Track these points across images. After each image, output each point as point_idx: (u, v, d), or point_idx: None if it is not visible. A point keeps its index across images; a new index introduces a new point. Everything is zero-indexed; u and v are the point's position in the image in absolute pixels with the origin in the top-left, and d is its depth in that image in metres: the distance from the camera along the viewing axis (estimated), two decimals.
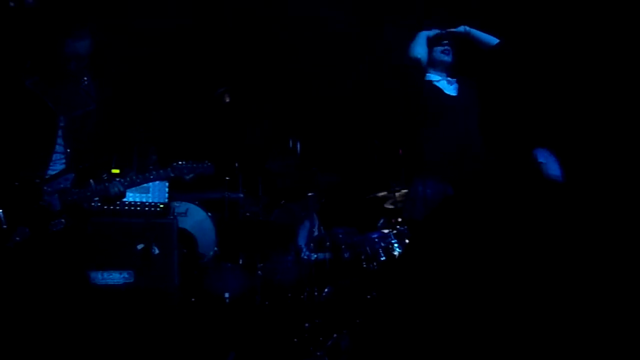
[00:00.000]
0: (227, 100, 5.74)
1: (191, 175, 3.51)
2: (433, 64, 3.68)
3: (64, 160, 3.30)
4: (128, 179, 3.37)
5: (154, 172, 3.42)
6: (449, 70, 3.70)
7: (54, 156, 3.29)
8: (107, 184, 3.30)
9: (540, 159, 4.93)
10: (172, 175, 3.46)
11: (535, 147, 4.77)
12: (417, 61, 3.58)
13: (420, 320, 3.37)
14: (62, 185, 3.22)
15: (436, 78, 3.68)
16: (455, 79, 3.71)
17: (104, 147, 3.49)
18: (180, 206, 5.36)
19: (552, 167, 4.75)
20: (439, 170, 3.43)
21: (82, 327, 3.33)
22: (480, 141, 3.57)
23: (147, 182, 3.46)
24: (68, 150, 3.30)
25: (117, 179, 3.37)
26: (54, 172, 3.26)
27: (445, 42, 3.68)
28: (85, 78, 3.41)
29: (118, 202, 4.41)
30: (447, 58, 3.67)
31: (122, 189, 3.34)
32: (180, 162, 3.47)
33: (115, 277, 4.27)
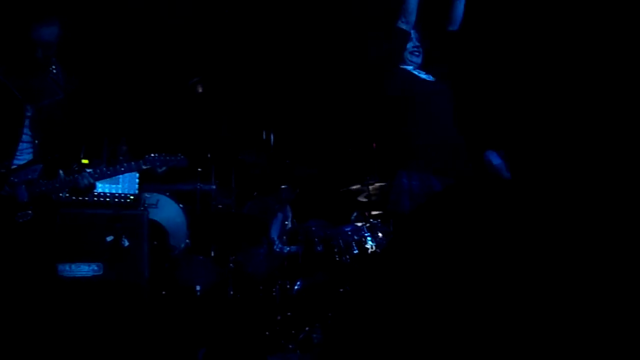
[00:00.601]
0: (200, 90, 5.68)
1: (164, 168, 3.47)
2: (403, 61, 3.68)
3: (31, 151, 3.23)
4: (98, 170, 3.31)
5: (125, 164, 3.36)
6: (419, 69, 3.70)
7: (21, 146, 3.22)
8: (76, 176, 3.24)
9: (495, 162, 5.00)
10: (144, 167, 3.40)
11: (487, 149, 4.83)
12: (404, 33, 3.56)
13: (400, 316, 3.37)
14: (29, 176, 3.16)
15: (410, 68, 3.67)
16: (426, 72, 3.70)
17: (73, 137, 3.43)
18: (151, 197, 5.29)
19: (503, 168, 4.82)
20: (423, 159, 3.42)
21: (49, 320, 3.28)
22: (457, 129, 3.58)
23: (118, 174, 3.40)
24: (36, 141, 3.23)
25: (87, 171, 3.31)
26: (21, 163, 3.19)
27: (417, 43, 3.67)
28: (54, 67, 3.34)
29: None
30: (417, 59, 3.68)
31: (92, 180, 3.28)
32: (153, 155, 3.42)
33: (84, 270, 4.19)
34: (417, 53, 3.66)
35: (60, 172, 3.22)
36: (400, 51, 3.63)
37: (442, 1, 3.75)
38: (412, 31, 3.65)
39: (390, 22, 3.60)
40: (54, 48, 3.26)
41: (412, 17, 3.54)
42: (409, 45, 3.65)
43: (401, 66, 3.66)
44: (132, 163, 3.38)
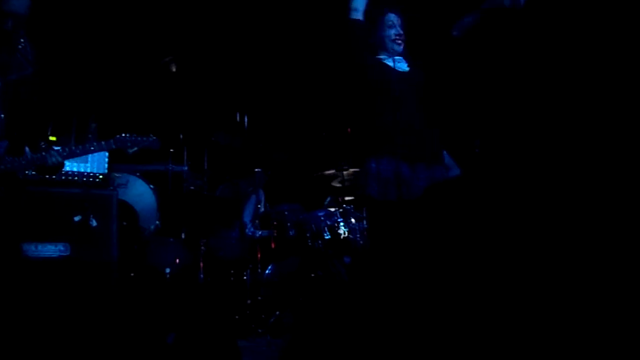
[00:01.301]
0: (174, 69, 5.56)
1: (135, 149, 3.37)
2: (384, 48, 3.63)
3: None
4: (67, 149, 3.22)
5: (95, 143, 3.27)
6: (399, 57, 3.66)
7: None
8: (44, 154, 3.15)
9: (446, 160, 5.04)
10: (114, 147, 3.31)
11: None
12: (356, 23, 3.52)
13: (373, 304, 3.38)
14: None
15: (383, 57, 3.63)
16: (400, 61, 3.65)
17: (40, 113, 3.33)
18: (121, 177, 5.18)
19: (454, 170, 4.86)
20: (391, 144, 3.42)
21: (13, 300, 3.21)
22: (429, 120, 3.57)
23: (87, 153, 3.31)
24: (1, 116, 3.13)
25: (56, 148, 3.22)
26: None
27: (399, 31, 3.63)
28: (22, 40, 3.22)
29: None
30: (399, 48, 3.62)
31: (60, 159, 3.19)
32: (124, 135, 3.33)
33: (50, 250, 4.10)
34: (399, 41, 3.60)
35: (27, 149, 3.12)
36: (364, 42, 3.59)
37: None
38: (394, 16, 3.62)
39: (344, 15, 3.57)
40: (23, 20, 3.14)
41: (358, 3, 3.50)
42: (392, 32, 3.60)
43: (377, 56, 3.63)
44: (102, 142, 3.30)
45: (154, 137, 3.42)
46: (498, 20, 3.63)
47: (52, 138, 3.76)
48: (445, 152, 4.69)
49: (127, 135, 3.34)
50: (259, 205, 5.40)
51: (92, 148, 3.28)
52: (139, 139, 3.37)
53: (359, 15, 3.52)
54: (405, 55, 3.66)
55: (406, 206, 3.35)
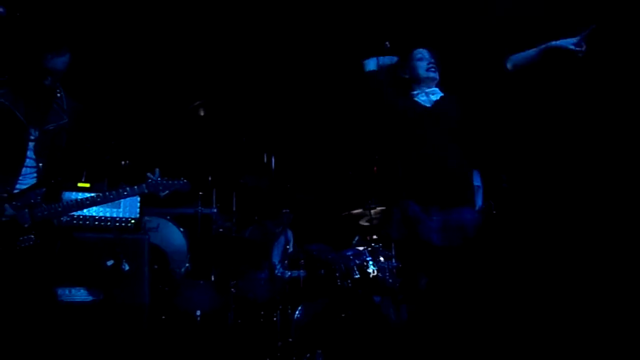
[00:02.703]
0: (202, 113, 5.68)
1: (166, 192, 3.44)
2: (419, 81, 3.67)
3: (35, 175, 3.22)
4: (101, 195, 3.30)
5: (128, 188, 3.34)
6: (436, 86, 3.69)
7: (25, 170, 3.21)
8: (80, 201, 3.24)
9: (478, 183, 5.01)
10: (147, 192, 3.38)
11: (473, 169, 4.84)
12: (371, 75, 3.59)
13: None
14: (32, 200, 3.14)
15: (416, 92, 3.67)
16: (437, 90, 3.68)
17: (76, 161, 3.42)
18: (151, 221, 5.26)
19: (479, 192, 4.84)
20: (417, 188, 3.42)
21: (48, 345, 3.24)
22: (456, 158, 3.55)
23: (120, 199, 3.38)
24: (40, 165, 3.22)
25: (91, 195, 3.30)
26: (24, 187, 3.17)
27: (432, 60, 3.68)
28: (59, 91, 3.34)
29: (88, 217, 4.32)
30: (434, 74, 3.66)
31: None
32: (156, 179, 3.40)
33: (84, 294, 4.15)
34: (432, 69, 3.65)
35: (63, 196, 3.21)
36: (381, 86, 3.66)
37: None
38: (425, 50, 3.70)
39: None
40: (61, 76, 3.26)
41: (371, 64, 3.62)
42: (424, 64, 3.66)
43: (412, 92, 3.67)
44: (135, 187, 3.37)
45: (185, 180, 3.49)
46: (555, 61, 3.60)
47: (86, 184, 3.85)
48: (477, 175, 4.65)
49: (159, 179, 3.41)
50: (287, 246, 5.43)
51: (125, 193, 3.35)
52: (170, 182, 3.44)
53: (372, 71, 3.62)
54: (440, 87, 3.69)
55: (429, 247, 3.33)
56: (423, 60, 3.66)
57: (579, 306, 4.36)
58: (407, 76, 3.69)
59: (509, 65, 3.59)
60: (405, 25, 5.32)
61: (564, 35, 3.41)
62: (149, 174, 3.43)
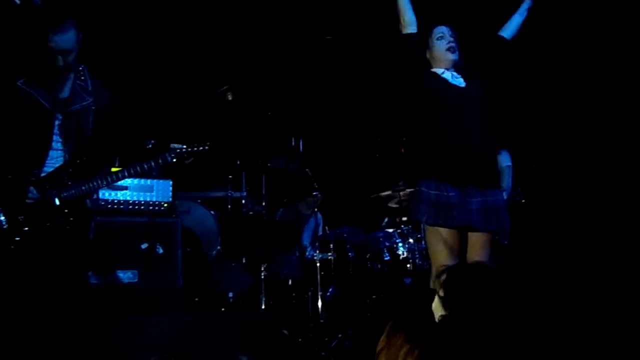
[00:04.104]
0: (230, 98, 5.70)
1: (191, 159, 3.43)
2: (437, 61, 3.60)
3: (62, 157, 3.26)
4: (126, 169, 3.33)
5: (152, 161, 3.35)
6: (454, 68, 3.61)
7: (52, 153, 3.26)
8: (108, 177, 3.29)
9: (508, 162, 4.94)
10: (172, 161, 3.37)
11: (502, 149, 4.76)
12: (411, 36, 3.51)
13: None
14: (59, 181, 3.19)
15: (441, 71, 3.58)
16: (460, 76, 3.60)
17: (102, 141, 3.44)
18: (182, 204, 5.30)
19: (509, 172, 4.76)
20: (442, 167, 3.39)
21: (82, 327, 3.30)
22: (486, 140, 3.51)
23: (145, 172, 3.40)
24: (66, 148, 3.26)
25: (116, 170, 3.34)
26: (52, 169, 3.22)
27: (452, 39, 3.60)
28: (82, 72, 3.35)
29: (122, 202, 4.37)
30: (453, 56, 3.55)
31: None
32: (180, 147, 3.40)
33: (119, 277, 4.23)
34: (452, 49, 3.55)
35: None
36: (418, 55, 3.58)
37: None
38: (444, 28, 3.60)
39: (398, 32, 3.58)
40: (74, 54, 3.25)
41: (408, 16, 3.49)
42: (443, 43, 3.57)
43: (432, 69, 3.60)
44: (159, 158, 3.36)
45: (207, 144, 3.46)
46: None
47: (115, 169, 3.89)
48: (507, 155, 4.57)
49: (183, 146, 3.40)
50: (317, 228, 5.45)
51: (150, 165, 3.35)
52: (194, 148, 3.43)
53: (413, 28, 3.50)
54: (461, 67, 3.61)
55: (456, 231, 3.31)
56: (443, 39, 3.56)
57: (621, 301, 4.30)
58: (426, 55, 3.62)
59: (505, 35, 3.60)
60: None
61: None
62: (172, 145, 3.43)
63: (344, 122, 6.75)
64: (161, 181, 4.49)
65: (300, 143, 5.77)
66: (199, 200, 5.49)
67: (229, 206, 5.66)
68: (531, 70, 5.49)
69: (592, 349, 3.45)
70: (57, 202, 3.16)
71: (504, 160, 4.95)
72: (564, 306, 4.28)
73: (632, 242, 4.76)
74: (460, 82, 3.55)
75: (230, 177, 5.68)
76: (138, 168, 3.34)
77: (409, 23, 3.50)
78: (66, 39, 3.18)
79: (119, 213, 4.36)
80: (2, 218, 3.10)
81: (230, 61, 6.30)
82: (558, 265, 5.03)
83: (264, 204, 5.59)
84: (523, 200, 4.75)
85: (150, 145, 4.02)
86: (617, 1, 4.84)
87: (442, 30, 3.58)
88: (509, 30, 3.62)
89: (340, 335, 4.60)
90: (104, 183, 3.35)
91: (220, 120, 5.99)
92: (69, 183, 3.21)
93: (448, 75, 3.56)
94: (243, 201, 5.72)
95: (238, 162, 5.69)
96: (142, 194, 4.44)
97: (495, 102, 3.73)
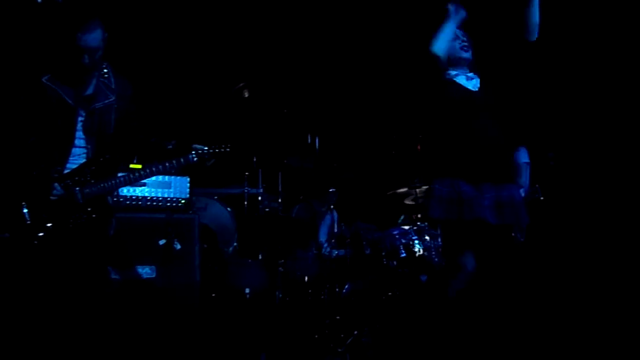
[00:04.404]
0: (246, 95, 5.72)
1: (212, 160, 3.47)
2: (451, 61, 3.60)
3: (85, 154, 3.29)
4: (148, 168, 3.36)
5: (174, 161, 3.38)
6: (468, 67, 3.63)
7: (75, 150, 3.29)
8: (130, 175, 3.31)
9: (526, 159, 4.93)
10: (194, 162, 3.41)
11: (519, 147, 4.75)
12: (436, 57, 3.52)
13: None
14: (82, 179, 3.22)
15: (454, 73, 3.61)
16: (475, 75, 3.63)
17: (124, 139, 3.47)
18: (199, 201, 5.34)
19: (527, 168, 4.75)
20: (455, 165, 3.41)
21: (102, 321, 3.33)
22: (500, 138, 3.52)
23: (167, 172, 3.43)
24: (89, 145, 3.29)
25: (139, 168, 3.37)
26: (74, 166, 3.26)
27: (464, 38, 3.61)
28: (105, 70, 3.39)
29: (140, 198, 4.42)
30: (467, 55, 3.58)
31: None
32: (202, 148, 3.44)
33: (138, 272, 4.26)
34: (465, 48, 3.59)
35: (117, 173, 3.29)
36: (438, 67, 3.60)
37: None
38: (458, 30, 3.61)
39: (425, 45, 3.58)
40: (99, 52, 3.30)
41: (443, 45, 3.50)
42: (457, 43, 3.59)
43: (447, 72, 3.61)
44: (181, 158, 3.39)
45: (229, 145, 3.50)
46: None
47: (138, 166, 3.92)
48: (525, 152, 4.58)
49: (205, 148, 3.45)
50: (333, 225, 5.46)
51: (172, 165, 3.38)
52: (216, 150, 3.47)
53: (439, 52, 3.52)
54: (475, 67, 3.64)
55: (469, 226, 3.32)
56: (457, 39, 3.59)
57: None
58: (439, 53, 3.62)
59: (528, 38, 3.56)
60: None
61: None
62: (194, 145, 3.47)
63: (360, 119, 6.75)
64: (179, 178, 4.53)
65: (317, 140, 5.79)
66: (216, 197, 5.52)
67: (246, 203, 5.68)
68: (549, 68, 5.47)
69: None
70: (81, 199, 3.20)
71: (522, 157, 4.94)
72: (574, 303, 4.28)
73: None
74: (474, 83, 3.59)
75: (247, 174, 5.71)
76: (160, 167, 3.37)
77: (440, 48, 3.52)
78: (93, 37, 3.24)
79: (137, 209, 4.39)
80: (26, 212, 3.14)
81: (247, 58, 6.33)
82: (574, 263, 5.00)
83: (280, 200, 5.61)
84: (541, 198, 4.73)
85: (170, 146, 4.06)
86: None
87: (455, 31, 3.61)
88: (528, 31, 3.60)
89: (356, 332, 4.61)
90: (126, 181, 3.37)
91: (237, 117, 6.01)
92: (92, 180, 3.24)
93: (462, 78, 3.59)
94: (259, 198, 5.75)
95: (255, 159, 5.72)
96: (160, 190, 4.47)
97: (512, 99, 3.73)
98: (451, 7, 3.54)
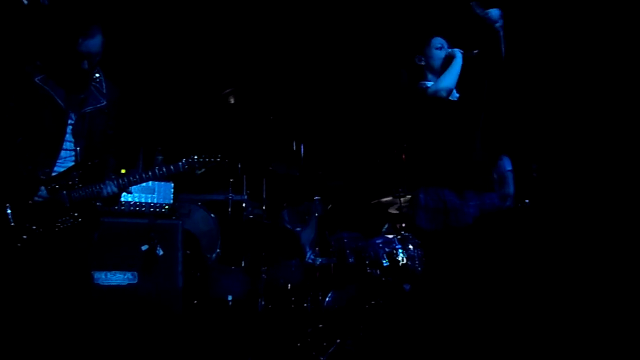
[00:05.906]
0: (232, 101, 5.71)
1: (202, 170, 3.45)
2: (435, 71, 3.65)
3: (73, 157, 3.27)
4: (138, 175, 3.33)
5: (164, 168, 3.34)
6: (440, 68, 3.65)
7: (64, 153, 3.25)
8: (101, 185, 3.26)
9: (509, 167, 4.97)
10: (184, 170, 3.38)
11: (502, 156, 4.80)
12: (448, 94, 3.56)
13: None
14: (69, 182, 3.19)
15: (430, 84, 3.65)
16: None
17: (112, 144, 3.45)
18: (183, 207, 5.31)
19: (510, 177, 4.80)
20: (438, 174, 3.45)
21: (84, 327, 3.30)
22: (481, 147, 3.57)
23: (157, 179, 3.40)
24: (77, 148, 3.26)
25: (114, 178, 3.32)
26: (62, 169, 3.23)
27: (449, 49, 3.65)
28: (98, 75, 3.38)
29: (124, 203, 4.39)
30: (441, 53, 3.63)
31: (115, 190, 3.29)
32: (193, 157, 3.42)
33: (119, 278, 4.23)
34: (440, 47, 3.66)
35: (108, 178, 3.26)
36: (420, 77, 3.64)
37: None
38: (442, 40, 3.68)
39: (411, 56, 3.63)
40: (97, 58, 3.31)
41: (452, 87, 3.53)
42: (442, 53, 3.63)
43: (427, 81, 3.64)
44: (171, 166, 3.36)
45: (220, 156, 3.49)
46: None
47: (122, 170, 3.90)
48: (508, 160, 4.63)
49: (195, 157, 3.43)
50: (317, 233, 5.45)
51: (162, 172, 3.33)
52: (206, 159, 3.45)
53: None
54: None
55: (454, 234, 3.37)
56: (442, 50, 3.64)
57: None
58: (422, 63, 3.67)
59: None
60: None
61: None
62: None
63: (345, 127, 6.77)
64: (163, 183, 4.51)
65: (302, 147, 5.79)
66: (200, 203, 5.49)
67: (230, 209, 5.67)
68: (532, 77, 5.52)
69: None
70: (68, 202, 3.17)
71: (506, 165, 4.98)
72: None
73: (634, 248, 4.76)
74: (454, 95, 3.62)
75: (231, 180, 5.69)
76: (150, 173, 3.34)
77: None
78: (94, 43, 3.25)
79: (119, 214, 4.37)
80: (9, 213, 3.10)
81: (233, 64, 6.32)
82: (561, 271, 5.02)
83: (264, 207, 5.60)
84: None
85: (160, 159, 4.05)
86: (617, 5, 4.87)
87: (440, 41, 3.69)
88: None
89: (338, 341, 4.60)
90: (114, 186, 3.34)
91: (222, 123, 6.00)
92: (80, 185, 3.21)
93: None
94: (243, 204, 5.73)
95: (239, 166, 5.71)
96: (143, 195, 4.45)
97: (495, 109, 3.76)
98: (458, 51, 3.58)
